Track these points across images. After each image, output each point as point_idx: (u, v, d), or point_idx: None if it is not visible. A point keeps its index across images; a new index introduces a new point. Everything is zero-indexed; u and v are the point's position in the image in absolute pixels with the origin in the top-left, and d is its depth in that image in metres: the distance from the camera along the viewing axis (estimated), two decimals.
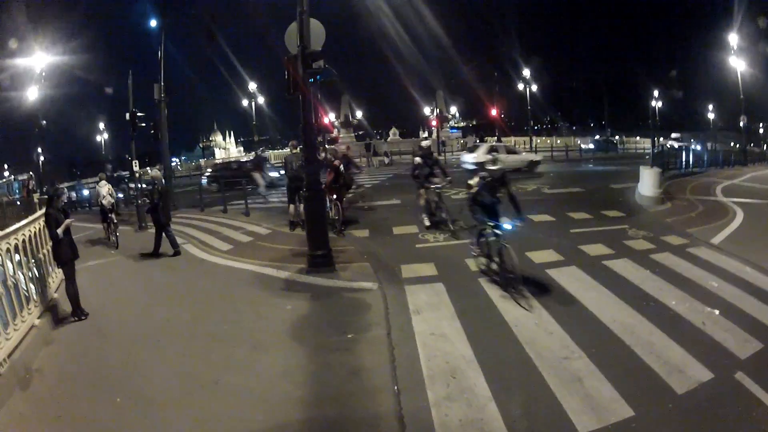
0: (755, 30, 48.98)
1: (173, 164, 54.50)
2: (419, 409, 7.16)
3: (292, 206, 19.59)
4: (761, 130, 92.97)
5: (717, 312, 9.99)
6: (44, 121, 52.82)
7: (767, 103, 78.03)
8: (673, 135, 50.07)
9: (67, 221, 11.44)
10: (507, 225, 11.72)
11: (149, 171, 21.31)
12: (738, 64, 45.63)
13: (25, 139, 63.37)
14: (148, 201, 18.60)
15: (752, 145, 63.29)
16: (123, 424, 7.15)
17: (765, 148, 73.79)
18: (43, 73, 43.25)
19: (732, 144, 65.84)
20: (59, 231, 11.12)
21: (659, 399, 7.14)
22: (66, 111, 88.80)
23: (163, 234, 17.36)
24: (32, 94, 44.44)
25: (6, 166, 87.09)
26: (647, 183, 22.75)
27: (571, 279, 12.22)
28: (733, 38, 45.62)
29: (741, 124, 48.78)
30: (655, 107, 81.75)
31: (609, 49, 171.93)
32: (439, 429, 6.72)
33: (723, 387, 7.44)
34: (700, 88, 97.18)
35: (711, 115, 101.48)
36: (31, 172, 55.29)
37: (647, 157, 42.20)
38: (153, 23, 32.47)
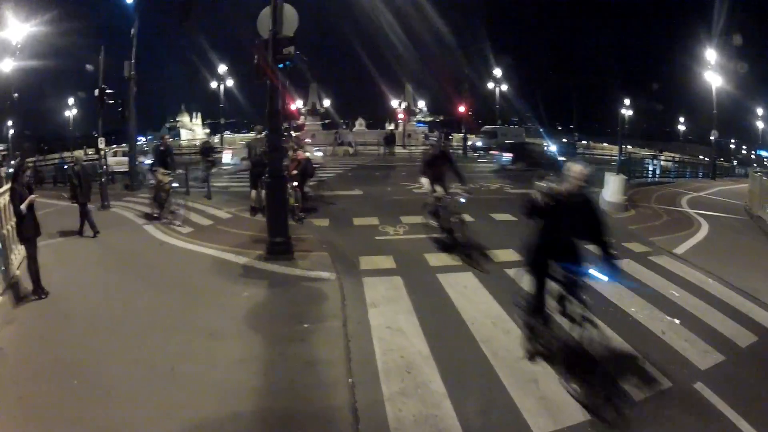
0: (731, 47, 49.43)
1: (139, 143, 54.03)
2: (373, 404, 7.13)
3: (254, 191, 19.58)
4: (732, 146, 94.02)
5: (678, 321, 10.02)
6: (16, 94, 52.12)
7: (739, 119, 79.02)
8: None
9: (31, 197, 11.24)
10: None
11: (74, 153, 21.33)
12: (714, 79, 46.00)
13: None
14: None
15: (721, 159, 63.87)
16: (81, 410, 7.08)
17: (734, 163, 74.64)
18: (18, 45, 42.78)
19: (701, 157, 66.49)
20: (23, 207, 10.93)
21: (616, 405, 7.11)
22: (35, 85, 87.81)
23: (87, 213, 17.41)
24: (6, 66, 43.92)
25: None
26: (612, 189, 22.84)
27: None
28: (710, 54, 45.99)
29: (711, 138, 49.19)
30: (624, 115, 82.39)
31: (582, 53, 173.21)
32: (393, 424, 6.68)
33: (682, 396, 7.45)
34: (673, 100, 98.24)
35: (682, 127, 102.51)
36: (3, 145, 54.77)
37: (613, 163, 42.44)
38: (128, 0, 32.12)
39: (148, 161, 28.85)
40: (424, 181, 15.43)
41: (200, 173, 28.37)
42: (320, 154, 42.05)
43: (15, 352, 8.78)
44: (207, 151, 30.35)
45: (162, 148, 20.76)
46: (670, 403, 7.25)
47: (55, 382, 7.76)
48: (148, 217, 19.31)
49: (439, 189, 15.22)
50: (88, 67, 62.06)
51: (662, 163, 48.40)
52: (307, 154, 22.47)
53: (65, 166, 24.47)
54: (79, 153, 19.90)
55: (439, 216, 15.27)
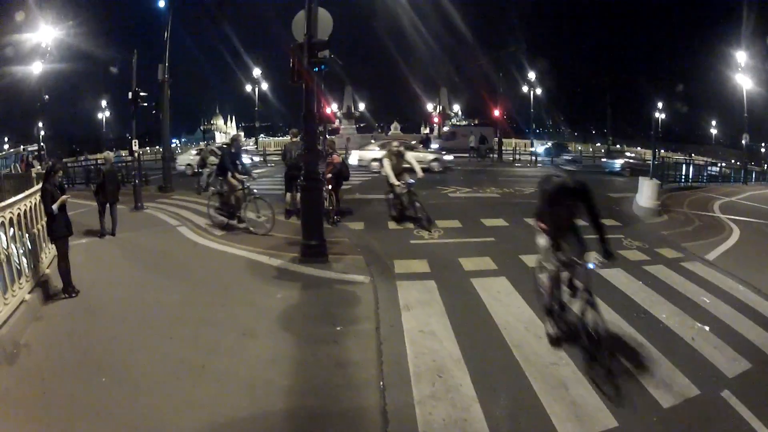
0: (764, 48, 48.86)
1: (173, 145, 54.36)
2: (403, 406, 7.15)
3: (289, 194, 19.58)
4: (763, 149, 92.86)
5: (707, 328, 9.97)
6: (47, 96, 52.64)
7: None
8: (628, 154, 48.64)
9: (63, 197, 11.39)
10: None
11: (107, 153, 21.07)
12: (744, 81, 45.56)
13: (27, 113, 63.31)
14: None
15: (753, 163, 63.11)
16: (107, 404, 7.13)
17: (766, 167, 73.72)
18: (49, 48, 43.22)
19: (733, 161, 65.70)
20: (54, 207, 11.09)
21: (644, 412, 7.13)
22: (68, 87, 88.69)
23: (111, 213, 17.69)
24: (36, 69, 44.41)
25: (6, 140, 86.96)
26: (645, 194, 22.74)
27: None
28: (740, 55, 45.57)
29: (743, 142, 48.66)
30: (657, 118, 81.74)
31: (616, 57, 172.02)
32: (422, 427, 6.70)
33: (709, 404, 7.42)
34: (704, 103, 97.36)
35: (714, 131, 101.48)
36: (42, 144, 55.32)
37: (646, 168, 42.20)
38: (161, 3, 32.35)
39: (185, 160, 29.12)
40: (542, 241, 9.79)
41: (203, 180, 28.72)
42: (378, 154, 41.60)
43: (41, 348, 8.91)
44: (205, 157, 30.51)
45: (233, 150, 19.06)
46: (696, 412, 7.24)
47: (81, 378, 7.87)
48: (227, 227, 18.07)
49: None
50: (113, 69, 62.54)
51: (714, 168, 47.94)
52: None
53: (93, 166, 24.61)
54: (108, 153, 19.88)
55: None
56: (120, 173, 25.57)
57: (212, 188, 19.88)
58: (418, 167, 18.87)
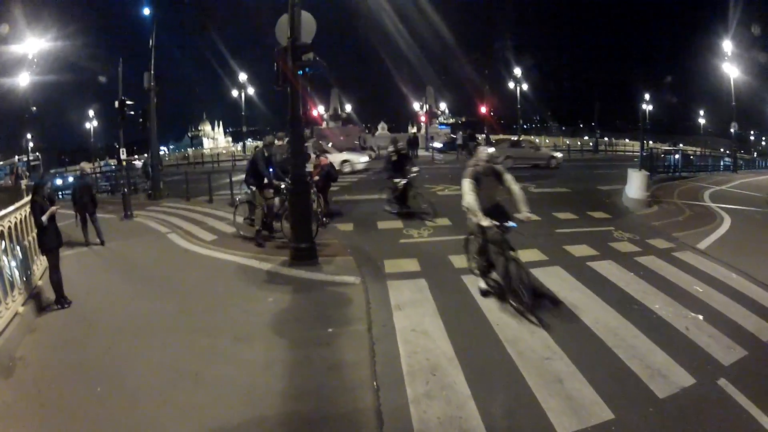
0: (749, 37, 49.12)
1: (161, 153, 54.37)
2: (398, 406, 7.15)
3: (277, 198, 19.50)
4: (752, 138, 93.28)
5: (701, 317, 9.98)
6: (34, 108, 52.54)
7: (759, 110, 78.38)
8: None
9: (53, 208, 11.38)
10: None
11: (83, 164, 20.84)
12: (731, 70, 45.74)
13: (13, 124, 63.24)
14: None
15: (742, 152, 63.34)
16: (104, 414, 7.15)
17: (755, 155, 74.01)
18: (35, 59, 43.20)
19: (722, 150, 65.98)
20: (44, 218, 11.08)
21: (640, 403, 7.12)
22: (56, 98, 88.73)
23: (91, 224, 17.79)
24: (23, 80, 44.37)
25: None
26: (635, 185, 22.85)
27: (554, 279, 12.22)
28: (727, 45, 45.75)
29: (732, 130, 48.84)
30: (645, 110, 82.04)
31: (602, 51, 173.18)
32: (417, 426, 6.70)
33: (705, 393, 7.42)
34: (692, 93, 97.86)
35: (702, 121, 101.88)
36: (38, 153, 55.29)
37: (635, 159, 42.27)
38: (146, 11, 32.39)
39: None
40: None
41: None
42: (365, 158, 43.14)
43: (37, 360, 8.89)
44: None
45: (267, 154, 17.18)
46: (693, 400, 7.23)
47: (78, 388, 7.86)
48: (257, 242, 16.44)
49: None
50: (101, 78, 62.51)
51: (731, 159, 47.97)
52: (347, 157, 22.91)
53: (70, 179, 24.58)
54: (84, 164, 19.84)
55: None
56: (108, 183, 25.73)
57: (239, 197, 19.09)
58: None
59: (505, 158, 38.74)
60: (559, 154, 45.99)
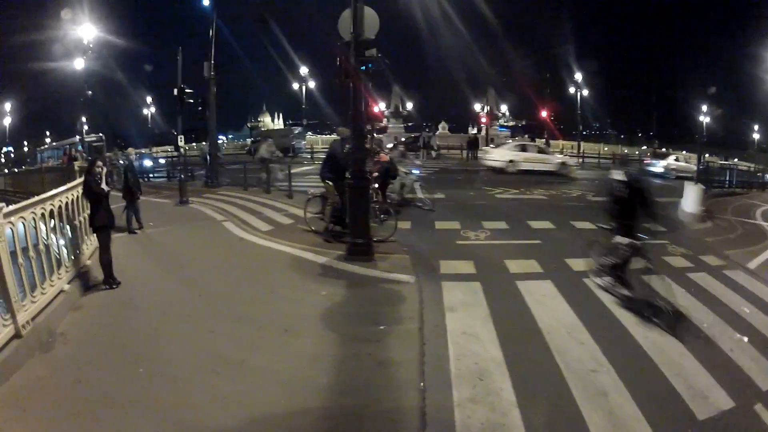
0: None
1: (219, 142, 54.70)
2: (442, 408, 7.21)
3: None
4: None
5: (746, 339, 9.95)
6: (90, 92, 53.16)
7: None
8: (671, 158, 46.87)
9: (105, 171, 11.63)
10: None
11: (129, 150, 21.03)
12: None
13: (71, 108, 63.95)
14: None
15: None
16: (142, 395, 7.31)
17: None
18: (91, 45, 43.81)
19: None
20: (103, 185, 11.29)
21: (679, 423, 7.16)
22: (116, 83, 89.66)
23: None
24: (79, 65, 45.05)
25: (47, 133, 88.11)
26: (690, 199, 22.71)
27: (606, 290, 12.11)
28: None
29: None
30: (702, 122, 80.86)
31: (663, 60, 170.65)
32: (460, 429, 6.77)
33: (742, 417, 7.43)
34: (746, 107, 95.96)
35: (756, 136, 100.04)
36: (101, 134, 55.98)
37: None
38: (206, 1, 32.74)
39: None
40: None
41: (280, 174, 28.78)
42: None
43: (78, 337, 9.09)
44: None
45: (345, 146, 16.32)
46: (730, 424, 7.25)
47: (117, 368, 8.05)
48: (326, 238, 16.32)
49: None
50: (147, 67, 63.08)
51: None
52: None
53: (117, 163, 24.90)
54: (130, 149, 20.20)
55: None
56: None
57: (312, 191, 18.54)
58: None
59: (509, 162, 39.27)
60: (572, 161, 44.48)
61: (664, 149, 78.40)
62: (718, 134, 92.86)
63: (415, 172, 19.33)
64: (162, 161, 48.97)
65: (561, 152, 52.80)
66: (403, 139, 58.82)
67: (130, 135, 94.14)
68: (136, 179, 18.23)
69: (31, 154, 79.55)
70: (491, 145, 47.05)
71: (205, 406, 7.08)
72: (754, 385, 8.31)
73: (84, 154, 42.85)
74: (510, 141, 45.94)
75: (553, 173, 39.09)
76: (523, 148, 41.53)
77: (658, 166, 43.16)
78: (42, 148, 69.88)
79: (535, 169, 39.20)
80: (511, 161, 39.98)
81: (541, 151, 42.58)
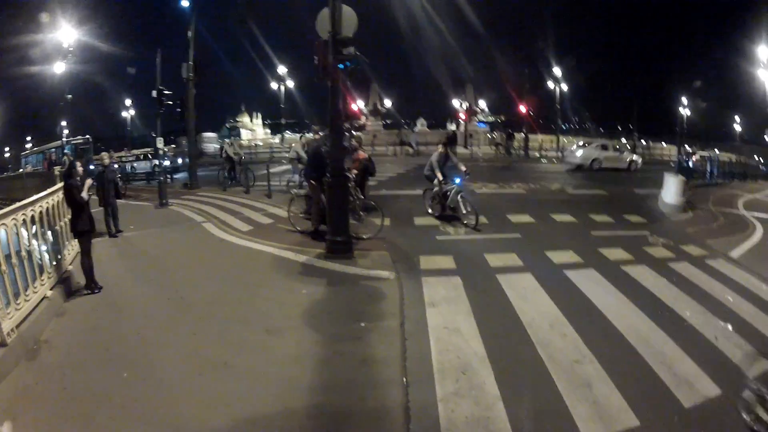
0: None
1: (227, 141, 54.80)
2: (426, 404, 7.16)
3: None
4: None
5: (730, 327, 9.93)
6: (69, 95, 52.85)
7: None
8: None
9: (88, 181, 11.60)
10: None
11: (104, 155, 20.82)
12: (766, 77, 45.24)
13: (50, 112, 63.74)
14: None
15: None
16: (129, 400, 7.22)
17: None
18: (71, 48, 43.68)
19: (756, 158, 65.14)
20: (84, 194, 11.24)
21: (666, 411, 7.13)
22: (94, 87, 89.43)
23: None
24: (59, 69, 44.88)
25: (28, 139, 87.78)
26: (671, 190, 22.81)
27: (588, 282, 12.20)
28: (762, 50, 45.24)
29: (766, 137, 48.37)
30: (683, 115, 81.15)
31: (642, 53, 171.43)
32: (444, 425, 6.71)
33: (729, 404, 7.38)
34: (728, 100, 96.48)
35: (737, 127, 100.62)
36: (88, 136, 55.63)
37: (672, 164, 42.07)
38: (185, 2, 32.61)
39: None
40: None
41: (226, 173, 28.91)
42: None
43: (62, 344, 9.00)
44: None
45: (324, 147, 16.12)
46: (717, 412, 7.23)
47: (103, 373, 7.96)
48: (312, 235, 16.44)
49: None
50: (131, 70, 62.84)
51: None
52: None
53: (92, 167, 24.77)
54: (104, 154, 20.08)
55: None
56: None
57: (295, 191, 18.88)
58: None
59: (593, 161, 41.10)
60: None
61: (643, 141, 78.83)
62: (700, 126, 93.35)
63: (457, 181, 17.82)
64: (180, 161, 48.66)
65: (633, 151, 52.99)
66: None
67: (108, 137, 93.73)
68: (112, 184, 17.99)
69: (13, 160, 79.32)
70: (575, 146, 47.69)
71: (190, 409, 7.03)
72: (741, 372, 8.29)
73: (71, 158, 42.71)
74: (592, 142, 47.01)
75: (626, 170, 41.40)
76: (604, 148, 44.00)
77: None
78: (25, 153, 69.53)
79: (612, 166, 41.11)
80: (595, 159, 41.97)
81: (616, 150, 44.72)
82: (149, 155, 44.30)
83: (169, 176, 32.17)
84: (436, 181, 18.65)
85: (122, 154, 54.71)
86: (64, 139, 54.17)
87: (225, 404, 7.12)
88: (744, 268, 13.79)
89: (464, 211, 17.48)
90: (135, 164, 46.80)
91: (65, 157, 43.38)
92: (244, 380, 7.79)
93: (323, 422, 6.88)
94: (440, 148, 19.00)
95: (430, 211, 19.09)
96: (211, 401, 7.19)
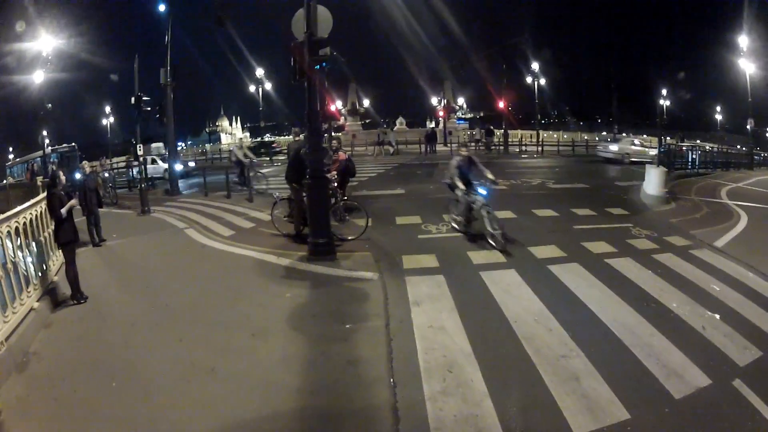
0: (765, 31, 48.69)
1: (178, 148, 54.30)
2: (414, 403, 7.14)
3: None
4: None
5: (717, 317, 9.93)
6: (50, 105, 52.58)
7: None
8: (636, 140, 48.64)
9: (71, 201, 11.49)
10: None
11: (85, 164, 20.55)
12: (747, 66, 45.45)
13: (29, 122, 63.41)
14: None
15: (758, 149, 62.83)
16: (119, 408, 7.20)
17: None
18: (50, 57, 43.47)
19: (738, 147, 65.47)
20: (63, 211, 11.15)
21: (656, 403, 7.10)
22: (72, 95, 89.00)
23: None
24: (38, 78, 44.63)
25: (10, 149, 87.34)
26: (653, 182, 22.84)
27: (572, 276, 12.19)
28: (743, 40, 45.46)
29: (748, 127, 48.53)
30: (662, 106, 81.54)
31: (620, 46, 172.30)
32: (433, 423, 6.69)
33: (720, 394, 7.39)
34: (709, 89, 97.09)
35: (718, 117, 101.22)
36: (74, 144, 55.33)
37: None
38: (161, 8, 32.45)
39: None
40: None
41: (237, 177, 28.66)
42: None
43: (51, 355, 8.96)
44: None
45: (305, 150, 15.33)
46: (708, 402, 7.20)
47: (92, 383, 7.94)
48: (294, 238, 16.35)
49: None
50: (113, 77, 62.45)
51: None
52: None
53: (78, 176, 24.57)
54: (84, 163, 19.85)
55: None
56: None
57: (277, 194, 18.42)
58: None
59: (625, 154, 43.27)
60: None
61: (623, 134, 79.21)
62: (681, 116, 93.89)
63: (483, 193, 15.72)
64: (192, 164, 48.63)
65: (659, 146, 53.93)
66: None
67: (88, 145, 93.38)
68: (94, 192, 17.83)
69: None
70: (609, 140, 49.13)
71: (178, 415, 7.06)
72: (731, 361, 8.29)
73: (55, 166, 42.41)
74: (625, 137, 49.57)
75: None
76: (633, 143, 46.64)
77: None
78: (9, 163, 69.15)
79: (641, 159, 41.01)
80: (627, 153, 43.84)
81: (643, 145, 46.52)
82: (156, 159, 43.92)
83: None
84: (458, 192, 16.37)
85: (119, 159, 54.52)
86: (48, 148, 53.78)
87: (212, 409, 7.13)
88: (729, 258, 13.80)
89: (490, 230, 15.07)
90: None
91: (51, 166, 43.16)
92: (230, 384, 7.77)
93: (311, 424, 6.88)
94: (462, 151, 17.22)
95: (455, 226, 17.21)
96: (199, 406, 7.22)
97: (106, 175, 27.20)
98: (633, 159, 42.46)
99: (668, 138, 44.41)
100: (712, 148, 55.79)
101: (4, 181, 52.53)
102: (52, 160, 48.84)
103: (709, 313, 10.10)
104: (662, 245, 14.99)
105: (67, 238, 11.41)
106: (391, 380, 7.76)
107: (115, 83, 74.67)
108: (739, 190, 27.17)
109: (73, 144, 55.56)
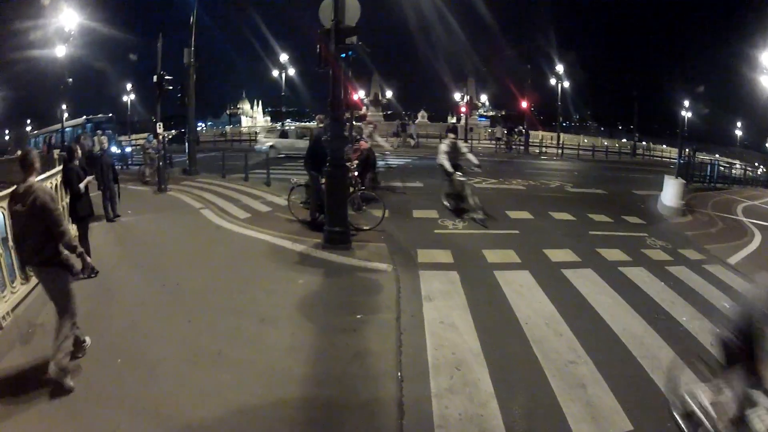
0: None
1: (198, 129, 54.35)
2: (420, 399, 7.14)
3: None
4: None
5: None
6: (70, 79, 52.57)
7: None
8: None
9: (88, 177, 11.51)
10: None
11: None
12: None
13: (50, 96, 63.46)
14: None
15: None
16: (122, 387, 7.20)
17: None
18: (72, 32, 43.47)
19: (756, 164, 65.13)
20: (81, 185, 11.19)
21: (659, 416, 7.03)
22: (95, 71, 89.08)
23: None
24: (60, 53, 44.66)
25: (29, 122, 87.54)
26: (670, 193, 22.65)
27: (585, 281, 12.17)
28: (765, 57, 45.13)
29: (767, 145, 48.43)
30: (684, 117, 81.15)
31: (645, 54, 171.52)
32: (438, 421, 6.68)
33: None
34: (730, 104, 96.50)
35: (738, 132, 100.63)
36: (111, 114, 55.36)
37: (672, 166, 42.16)
38: None
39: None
40: None
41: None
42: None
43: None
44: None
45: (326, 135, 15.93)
46: None
47: (97, 360, 7.90)
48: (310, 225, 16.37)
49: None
50: (132, 56, 62.41)
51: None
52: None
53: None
54: (102, 138, 19.82)
55: None
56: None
57: (294, 179, 18.32)
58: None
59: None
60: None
61: (644, 142, 78.89)
62: (701, 129, 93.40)
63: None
64: (129, 149, 48.58)
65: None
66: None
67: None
68: (110, 168, 17.86)
69: (18, 140, 78.87)
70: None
71: (183, 399, 6.99)
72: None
73: (89, 136, 42.46)
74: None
75: None
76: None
77: None
78: (35, 132, 69.20)
79: None
80: None
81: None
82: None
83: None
84: (447, 172, 18.25)
85: (138, 136, 54.39)
86: (84, 117, 53.67)
87: (216, 394, 7.09)
88: (741, 275, 13.70)
89: (472, 204, 17.45)
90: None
91: (84, 135, 43.05)
92: (237, 370, 7.76)
93: (315, 414, 6.85)
94: (449, 137, 18.93)
95: (446, 204, 18.81)
96: (203, 391, 7.17)
97: (152, 152, 27.18)
98: None
99: (686, 150, 44.03)
100: (732, 164, 55.63)
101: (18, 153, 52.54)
102: (84, 131, 48.62)
103: (718, 330, 10.07)
104: (676, 257, 14.94)
105: (83, 212, 11.53)
106: (399, 374, 7.74)
107: (138, 62, 74.82)
108: (755, 208, 27.01)
109: (110, 114, 55.51)
